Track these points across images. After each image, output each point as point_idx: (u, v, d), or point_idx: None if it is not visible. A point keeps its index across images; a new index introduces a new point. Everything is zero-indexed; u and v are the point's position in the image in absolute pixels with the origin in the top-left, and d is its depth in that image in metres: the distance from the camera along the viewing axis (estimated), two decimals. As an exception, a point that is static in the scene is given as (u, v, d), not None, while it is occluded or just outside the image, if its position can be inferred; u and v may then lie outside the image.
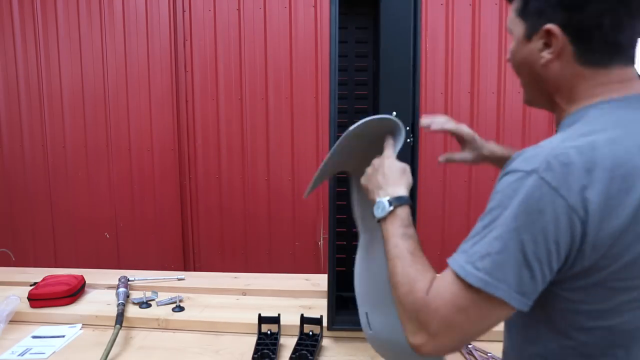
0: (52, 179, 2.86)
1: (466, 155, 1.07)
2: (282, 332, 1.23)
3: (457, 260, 0.64)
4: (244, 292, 1.56)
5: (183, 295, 1.50)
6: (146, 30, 2.70)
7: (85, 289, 1.56)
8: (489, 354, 1.16)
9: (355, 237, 1.42)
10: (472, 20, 2.58)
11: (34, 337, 1.28)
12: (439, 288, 0.65)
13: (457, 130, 1.06)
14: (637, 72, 0.68)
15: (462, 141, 1.07)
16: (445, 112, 2.59)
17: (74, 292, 1.47)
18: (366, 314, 1.04)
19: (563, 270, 0.61)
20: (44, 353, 1.19)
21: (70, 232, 2.88)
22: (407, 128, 1.07)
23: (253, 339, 1.22)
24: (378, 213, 0.82)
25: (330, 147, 1.09)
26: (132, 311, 1.39)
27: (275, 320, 1.24)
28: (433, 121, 1.05)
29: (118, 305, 1.36)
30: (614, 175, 0.58)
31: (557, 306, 0.65)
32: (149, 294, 1.48)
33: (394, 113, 1.06)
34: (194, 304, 1.46)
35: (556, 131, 0.72)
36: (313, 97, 2.66)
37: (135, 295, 1.49)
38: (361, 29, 1.35)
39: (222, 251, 2.82)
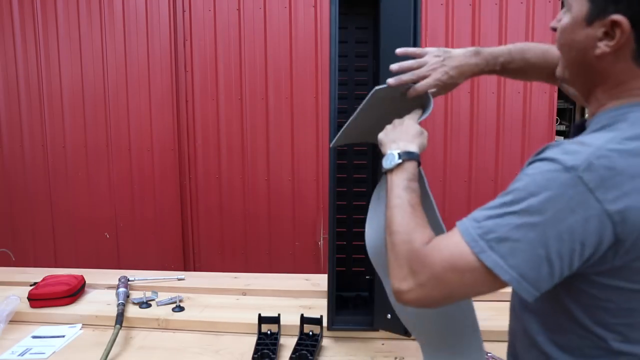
0: (52, 179, 2.85)
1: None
2: (282, 332, 1.24)
3: (468, 229, 0.65)
4: (244, 292, 1.56)
5: (183, 295, 1.50)
6: (146, 30, 2.70)
7: (85, 289, 1.56)
8: (488, 354, 1.15)
9: (355, 237, 1.42)
10: (472, 20, 2.57)
11: (34, 337, 1.28)
12: (440, 244, 0.67)
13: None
14: None
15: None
16: (445, 112, 2.59)
17: (74, 292, 1.47)
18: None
19: (582, 268, 0.62)
20: (44, 353, 1.19)
21: (70, 232, 2.87)
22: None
23: (253, 339, 1.22)
24: (386, 164, 0.82)
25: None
26: (132, 311, 1.39)
27: (275, 320, 1.25)
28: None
29: (118, 305, 1.36)
30: None
31: (584, 302, 0.66)
32: (149, 294, 1.48)
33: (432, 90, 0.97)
34: (194, 304, 1.46)
35: (584, 120, 0.71)
36: (313, 97, 2.66)
37: (135, 295, 1.49)
38: (361, 29, 1.35)
39: (222, 251, 2.81)
